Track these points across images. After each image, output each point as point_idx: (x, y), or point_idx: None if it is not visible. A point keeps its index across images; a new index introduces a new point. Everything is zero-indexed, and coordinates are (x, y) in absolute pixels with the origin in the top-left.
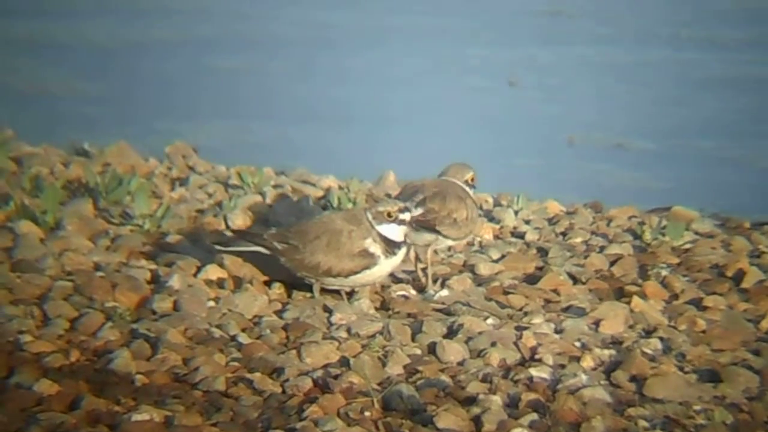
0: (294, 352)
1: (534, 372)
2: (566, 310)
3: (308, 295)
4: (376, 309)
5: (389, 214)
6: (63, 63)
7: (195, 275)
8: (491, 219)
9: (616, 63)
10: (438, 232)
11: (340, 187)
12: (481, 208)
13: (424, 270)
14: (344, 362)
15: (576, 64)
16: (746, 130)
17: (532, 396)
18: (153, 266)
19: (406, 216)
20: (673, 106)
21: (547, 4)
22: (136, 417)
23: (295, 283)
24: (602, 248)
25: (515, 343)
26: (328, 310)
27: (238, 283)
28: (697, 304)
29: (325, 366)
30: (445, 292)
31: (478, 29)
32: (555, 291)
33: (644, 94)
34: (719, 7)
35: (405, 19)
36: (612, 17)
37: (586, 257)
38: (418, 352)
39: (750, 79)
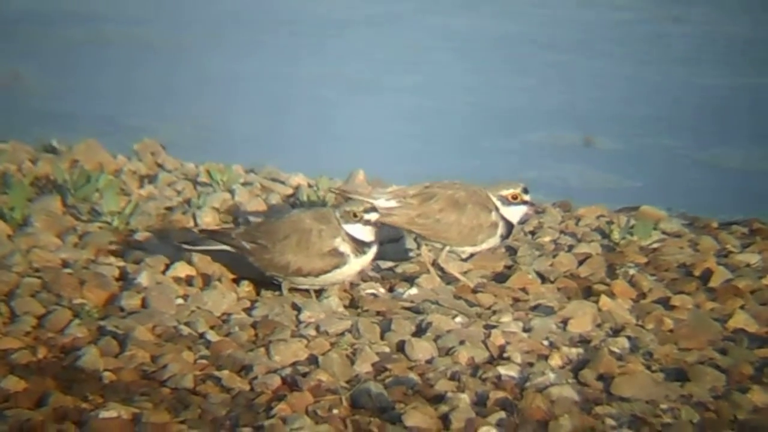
0: (262, 349)
1: (502, 370)
2: (535, 308)
3: (277, 292)
4: (345, 307)
5: (355, 215)
6: (31, 59)
7: (163, 272)
8: None
9: (585, 62)
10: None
11: (309, 185)
12: None
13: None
14: (313, 360)
15: (545, 63)
16: (714, 131)
17: (500, 394)
18: (121, 263)
19: (372, 216)
20: (642, 105)
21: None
22: (104, 414)
23: (263, 281)
24: (571, 247)
25: (484, 342)
26: (297, 308)
27: (207, 280)
28: (665, 303)
29: (294, 364)
30: (414, 291)
31: (446, 26)
32: (523, 290)
33: (613, 94)
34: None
35: (372, 13)
36: (581, 15)
37: (554, 256)
38: (387, 350)
39: (717, 81)
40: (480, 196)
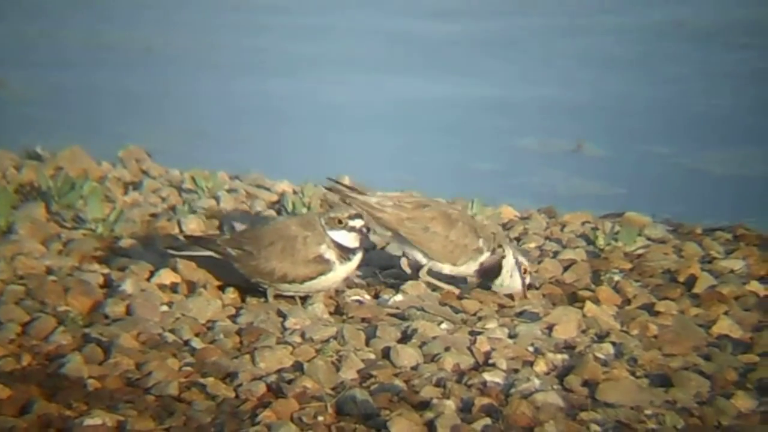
0: (248, 356)
1: (487, 376)
2: (520, 314)
3: (262, 299)
4: (330, 314)
5: (340, 221)
6: (14, 65)
7: (148, 279)
8: None
9: (571, 69)
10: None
11: (294, 192)
12: None
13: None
14: (298, 367)
15: (532, 69)
16: (698, 137)
17: (486, 400)
18: (106, 270)
19: (357, 223)
20: (627, 112)
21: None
22: (88, 421)
23: (248, 288)
24: (556, 253)
25: (469, 348)
26: (282, 315)
27: (192, 287)
28: (649, 309)
29: (279, 371)
30: (399, 297)
31: (432, 32)
32: (509, 296)
33: (599, 101)
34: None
35: (360, 23)
36: (569, 21)
37: (540, 262)
38: (372, 356)
39: (704, 88)
40: (472, 219)
